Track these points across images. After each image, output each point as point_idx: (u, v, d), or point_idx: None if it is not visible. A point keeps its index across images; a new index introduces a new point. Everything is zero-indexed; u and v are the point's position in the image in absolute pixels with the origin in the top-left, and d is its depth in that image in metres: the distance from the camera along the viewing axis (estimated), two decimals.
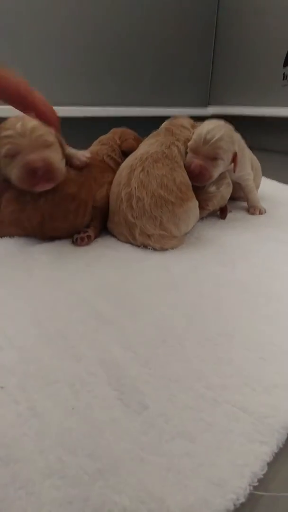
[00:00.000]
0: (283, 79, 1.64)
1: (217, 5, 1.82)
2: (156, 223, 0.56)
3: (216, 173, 0.63)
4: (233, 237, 0.64)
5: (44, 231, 0.58)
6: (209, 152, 0.61)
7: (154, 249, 0.57)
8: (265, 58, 1.68)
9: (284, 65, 1.63)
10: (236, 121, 0.74)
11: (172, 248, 0.58)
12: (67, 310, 0.41)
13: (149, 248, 0.58)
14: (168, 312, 0.41)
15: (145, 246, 0.58)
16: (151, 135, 0.69)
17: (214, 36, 1.88)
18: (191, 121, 0.72)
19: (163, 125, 0.71)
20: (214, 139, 0.60)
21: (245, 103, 1.78)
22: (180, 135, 0.65)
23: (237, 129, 0.67)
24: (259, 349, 0.36)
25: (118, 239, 0.60)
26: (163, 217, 0.55)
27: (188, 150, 0.64)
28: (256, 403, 0.29)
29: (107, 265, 0.52)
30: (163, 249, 0.57)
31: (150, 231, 0.56)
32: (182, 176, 0.59)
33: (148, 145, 0.63)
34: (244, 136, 0.70)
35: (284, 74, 1.63)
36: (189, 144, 0.64)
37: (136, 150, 0.65)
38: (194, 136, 0.63)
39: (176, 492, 0.22)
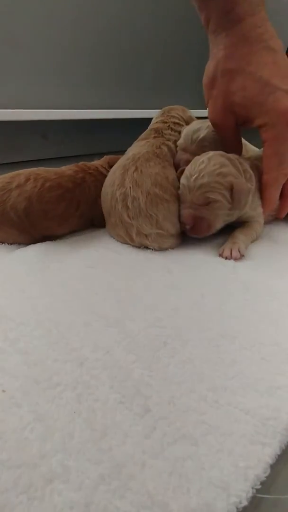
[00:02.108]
0: None
1: None
2: (152, 222, 0.56)
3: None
4: None
5: (33, 221, 0.56)
6: (197, 150, 0.61)
7: (154, 250, 0.57)
8: None
9: None
10: None
11: (171, 248, 0.58)
12: (68, 312, 0.41)
13: (150, 249, 0.58)
14: (169, 313, 0.41)
15: (144, 247, 0.58)
16: (140, 137, 0.69)
17: None
18: (186, 115, 0.73)
19: (154, 120, 0.72)
20: (199, 139, 0.61)
21: None
22: (171, 136, 0.66)
23: None
24: (261, 350, 0.35)
25: (117, 240, 0.60)
26: (159, 215, 0.56)
27: (178, 148, 0.65)
28: (258, 405, 0.29)
29: (107, 266, 0.52)
30: (161, 249, 0.57)
31: (147, 231, 0.56)
32: (173, 174, 0.60)
33: (139, 147, 0.64)
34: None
35: None
36: (178, 142, 0.65)
37: (127, 151, 0.65)
38: (182, 135, 0.64)
39: (178, 496, 0.22)
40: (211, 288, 0.47)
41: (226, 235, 0.64)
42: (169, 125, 0.68)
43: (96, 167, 0.66)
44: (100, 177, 0.65)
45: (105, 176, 0.64)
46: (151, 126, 0.71)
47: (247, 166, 0.59)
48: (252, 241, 0.62)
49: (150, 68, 1.65)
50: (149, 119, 0.77)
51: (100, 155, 0.71)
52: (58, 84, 1.35)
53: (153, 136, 0.66)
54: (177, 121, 0.69)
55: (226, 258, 0.55)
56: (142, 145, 0.64)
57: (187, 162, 0.60)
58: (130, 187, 0.56)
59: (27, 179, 0.56)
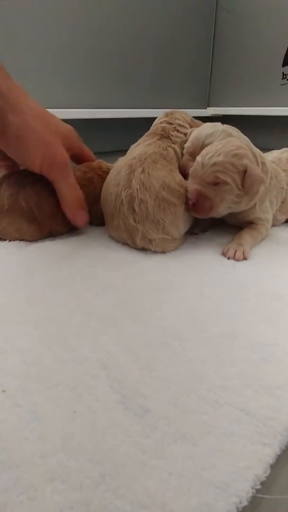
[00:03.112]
0: (282, 78, 1.64)
1: (216, 6, 1.82)
2: (159, 228, 0.55)
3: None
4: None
5: (42, 214, 0.58)
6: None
7: (155, 251, 0.57)
8: (264, 58, 1.68)
9: (283, 65, 1.62)
10: (236, 121, 0.74)
11: (172, 250, 0.58)
12: (68, 312, 0.40)
13: (150, 249, 0.58)
14: (169, 313, 0.41)
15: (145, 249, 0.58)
16: (146, 133, 0.68)
17: (213, 37, 1.88)
18: (189, 118, 0.72)
19: (158, 121, 0.70)
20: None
21: (244, 103, 1.78)
22: (177, 138, 0.65)
23: (237, 129, 0.66)
24: (261, 350, 0.35)
25: (117, 241, 0.60)
26: (166, 220, 0.54)
27: (184, 152, 0.64)
28: (258, 405, 0.29)
29: (107, 266, 0.52)
30: (163, 252, 0.57)
31: (153, 236, 0.55)
32: (180, 176, 0.60)
33: (145, 146, 0.62)
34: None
35: (283, 73, 1.63)
36: (186, 145, 0.63)
37: (133, 150, 0.64)
38: (191, 139, 0.63)
39: (178, 496, 0.22)
40: (211, 288, 0.47)
41: (227, 235, 0.65)
42: (175, 127, 0.66)
43: (108, 168, 0.66)
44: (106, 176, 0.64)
45: None
46: (155, 125, 0.70)
47: (266, 161, 0.59)
48: (256, 244, 0.62)
49: (150, 68, 1.65)
50: (149, 119, 0.77)
51: (99, 154, 0.71)
52: (58, 84, 1.35)
53: (159, 136, 0.65)
54: (182, 123, 0.68)
55: (229, 258, 0.55)
56: (148, 144, 0.62)
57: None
58: (137, 189, 0.54)
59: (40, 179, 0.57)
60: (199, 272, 0.51)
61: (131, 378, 0.31)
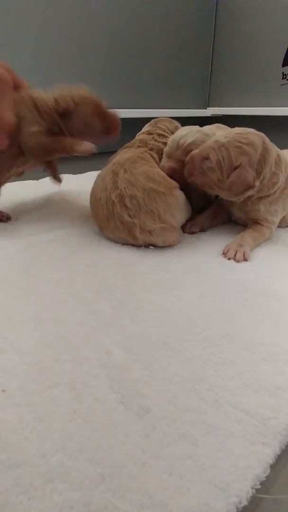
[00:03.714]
0: (283, 78, 1.64)
1: (216, 6, 1.82)
2: (155, 217, 0.56)
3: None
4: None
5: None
6: (181, 157, 0.62)
7: (156, 246, 0.58)
8: (264, 58, 1.68)
9: (283, 65, 1.62)
10: (236, 121, 0.74)
11: (174, 243, 0.59)
12: (68, 311, 0.40)
13: (150, 248, 0.58)
14: (169, 313, 0.41)
15: (146, 246, 0.58)
16: (124, 146, 0.70)
17: (213, 37, 1.88)
18: (172, 126, 0.73)
19: (141, 131, 0.73)
20: (186, 143, 0.62)
21: (245, 103, 1.78)
22: (154, 146, 0.67)
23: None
24: (261, 350, 0.35)
25: (119, 243, 0.60)
26: (160, 209, 0.56)
27: (163, 155, 0.66)
28: (258, 405, 0.29)
29: (108, 265, 0.52)
30: (165, 243, 0.58)
31: (151, 226, 0.56)
32: (160, 170, 0.61)
33: (123, 153, 0.65)
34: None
35: (283, 73, 1.63)
36: (164, 149, 0.66)
37: (111, 159, 0.66)
38: (168, 142, 0.65)
39: (178, 496, 0.22)
40: (210, 288, 0.47)
41: (227, 235, 0.65)
42: (153, 137, 0.69)
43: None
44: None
45: None
46: (137, 136, 0.73)
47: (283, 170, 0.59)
48: (258, 245, 0.61)
49: (150, 68, 1.65)
50: (149, 119, 0.77)
51: (99, 154, 0.71)
52: (58, 84, 1.35)
53: (137, 145, 0.67)
54: (162, 132, 0.70)
55: (229, 258, 0.55)
56: (125, 152, 0.65)
57: (170, 169, 0.61)
58: (124, 187, 0.56)
59: None
60: (199, 272, 0.51)
61: (131, 378, 0.31)
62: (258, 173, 0.57)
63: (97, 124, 0.61)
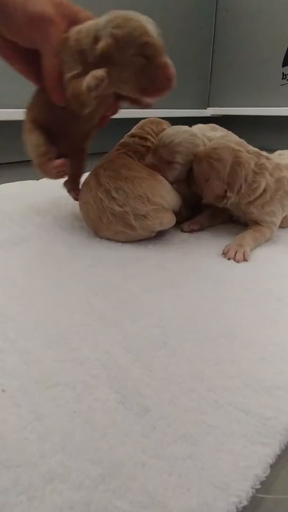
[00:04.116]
0: (282, 78, 1.64)
1: (216, 6, 1.82)
2: (144, 201, 0.57)
3: (171, 176, 0.64)
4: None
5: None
6: (166, 155, 0.63)
7: (152, 241, 0.58)
8: (264, 58, 1.68)
9: (283, 65, 1.62)
10: (236, 121, 0.74)
11: (170, 224, 0.60)
12: (68, 312, 0.40)
13: (149, 247, 0.58)
14: (169, 313, 0.41)
15: (146, 235, 0.59)
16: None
17: (213, 37, 1.88)
18: (158, 128, 0.72)
19: (131, 131, 0.73)
20: (172, 143, 0.62)
21: (244, 103, 1.78)
22: (132, 148, 0.67)
23: (237, 129, 0.67)
24: (260, 350, 0.35)
25: (118, 240, 0.60)
26: (147, 192, 0.57)
27: (150, 151, 0.66)
28: (258, 404, 0.29)
29: (107, 265, 0.52)
30: (162, 225, 0.59)
31: (143, 210, 0.57)
32: (139, 163, 0.62)
33: (104, 157, 0.65)
34: (244, 136, 0.69)
35: (283, 73, 1.63)
36: (152, 146, 0.66)
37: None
38: (157, 139, 0.66)
39: (178, 496, 0.22)
40: (210, 288, 0.47)
41: (227, 235, 0.65)
42: (134, 140, 0.69)
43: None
44: None
45: None
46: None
47: (274, 169, 0.62)
48: (258, 245, 0.61)
49: None
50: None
51: (99, 154, 0.71)
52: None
53: (115, 149, 0.68)
54: (145, 135, 0.70)
55: (229, 258, 0.55)
56: (104, 157, 0.65)
57: (150, 165, 0.62)
58: (107, 182, 0.58)
59: None
60: (199, 272, 0.51)
61: (131, 378, 0.31)
62: (230, 185, 0.60)
63: (143, 73, 0.48)
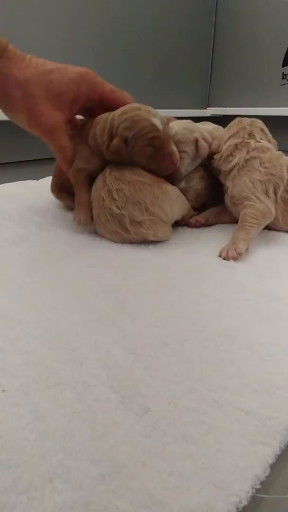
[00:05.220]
0: (283, 78, 1.64)
1: (215, 7, 1.82)
2: (142, 208, 0.57)
3: (183, 168, 0.65)
4: None
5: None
6: None
7: (151, 242, 0.59)
8: (264, 58, 1.68)
9: (283, 65, 1.63)
10: None
11: (165, 237, 0.60)
12: (68, 312, 0.41)
13: (149, 247, 0.58)
14: (169, 313, 0.41)
15: (142, 241, 0.59)
16: None
17: (213, 37, 1.88)
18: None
19: None
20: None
21: (244, 103, 1.78)
22: None
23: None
24: (261, 350, 0.35)
25: (114, 240, 0.60)
26: (146, 200, 0.57)
27: None
28: (258, 404, 0.29)
29: (107, 266, 0.52)
30: (156, 237, 0.59)
31: (139, 218, 0.57)
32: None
33: None
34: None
35: (283, 73, 1.63)
36: None
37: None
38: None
39: (178, 496, 0.22)
40: (210, 288, 0.47)
41: (227, 235, 0.65)
42: None
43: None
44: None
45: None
46: None
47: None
48: (257, 231, 0.60)
49: (150, 68, 1.65)
50: None
51: None
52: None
53: None
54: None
55: (224, 259, 0.55)
56: None
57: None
58: (111, 183, 0.58)
59: None
60: (199, 272, 0.51)
61: (131, 378, 0.31)
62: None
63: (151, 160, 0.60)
